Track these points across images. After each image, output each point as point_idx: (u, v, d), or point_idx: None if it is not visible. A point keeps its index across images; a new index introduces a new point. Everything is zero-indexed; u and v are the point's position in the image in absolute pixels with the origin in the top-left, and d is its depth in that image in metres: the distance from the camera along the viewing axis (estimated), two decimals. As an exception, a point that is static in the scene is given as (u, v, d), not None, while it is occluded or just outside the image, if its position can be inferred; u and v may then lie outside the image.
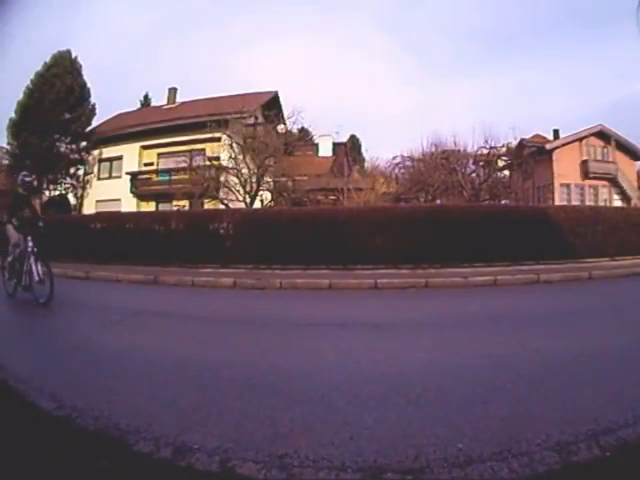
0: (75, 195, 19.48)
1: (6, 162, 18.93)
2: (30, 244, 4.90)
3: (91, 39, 31.99)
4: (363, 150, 29.57)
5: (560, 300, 5.22)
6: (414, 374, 2.39)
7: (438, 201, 16.60)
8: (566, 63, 35.71)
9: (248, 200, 14.47)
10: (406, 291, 5.96)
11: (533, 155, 18.40)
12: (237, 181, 14.58)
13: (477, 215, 8.61)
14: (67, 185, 19.35)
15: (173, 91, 21.43)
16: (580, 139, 19.25)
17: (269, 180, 15.62)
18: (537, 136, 20.82)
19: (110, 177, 19.20)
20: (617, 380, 2.21)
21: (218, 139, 15.44)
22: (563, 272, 6.99)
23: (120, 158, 18.81)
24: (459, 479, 1.38)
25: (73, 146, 19.19)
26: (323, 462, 1.47)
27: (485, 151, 17.11)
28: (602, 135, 19.46)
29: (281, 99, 18.32)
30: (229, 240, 8.66)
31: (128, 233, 9.44)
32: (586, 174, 19.02)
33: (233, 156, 14.93)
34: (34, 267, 4.80)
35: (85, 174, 19.54)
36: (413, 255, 7.66)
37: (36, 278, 4.76)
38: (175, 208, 15.04)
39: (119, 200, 17.79)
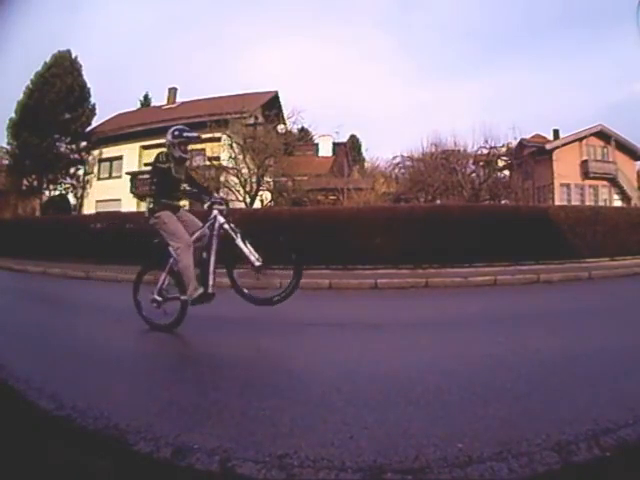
0: (75, 195, 19.51)
1: (6, 162, 18.97)
2: (220, 220, 3.36)
3: (91, 39, 31.98)
4: (363, 150, 29.54)
5: (560, 300, 5.22)
6: (414, 374, 2.39)
7: (438, 201, 16.61)
8: (566, 63, 35.62)
9: (248, 200, 14.48)
10: (406, 291, 5.97)
11: (533, 155, 18.41)
12: (237, 181, 14.58)
13: (477, 215, 8.62)
14: (67, 185, 19.39)
15: (173, 91, 21.43)
16: (580, 139, 19.25)
17: (269, 180, 15.63)
18: (537, 136, 20.81)
19: (110, 177, 19.20)
20: (617, 380, 2.20)
21: (218, 139, 15.44)
22: (563, 272, 7.00)
23: (120, 158, 18.82)
24: (459, 479, 1.37)
25: (73, 146, 19.23)
26: (323, 462, 1.47)
27: (485, 151, 17.14)
28: (602, 135, 19.46)
29: (281, 99, 18.35)
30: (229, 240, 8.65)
31: (128, 233, 9.44)
32: (586, 174, 19.02)
33: (233, 156, 14.94)
34: (246, 249, 3.28)
35: (85, 174, 19.56)
36: (413, 255, 7.67)
37: (257, 263, 3.31)
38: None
39: (119, 200, 17.79)
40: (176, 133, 3.60)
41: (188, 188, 3.63)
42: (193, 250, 3.38)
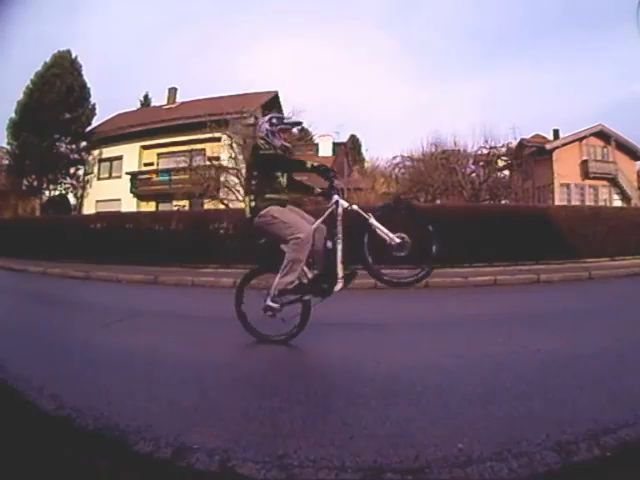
0: (75, 195, 19.54)
1: (6, 162, 19.00)
2: (344, 204, 3.01)
3: (91, 39, 32.03)
4: (363, 150, 29.61)
5: (560, 300, 5.22)
6: (414, 374, 2.39)
7: (438, 201, 16.62)
8: (566, 63, 35.72)
9: (248, 200, 14.46)
10: (406, 291, 5.95)
11: (533, 155, 18.42)
12: (237, 181, 14.58)
13: (477, 215, 8.61)
14: (67, 185, 19.42)
15: (173, 91, 21.48)
16: (580, 139, 19.27)
17: (269, 180, 15.61)
18: (537, 136, 20.82)
19: (110, 177, 19.25)
20: (617, 380, 2.20)
21: (218, 139, 15.45)
22: (563, 272, 6.98)
23: (120, 158, 18.86)
24: (459, 479, 1.37)
25: (73, 146, 19.26)
26: (323, 462, 1.47)
27: (485, 151, 17.14)
28: (602, 135, 19.48)
29: (281, 99, 18.38)
30: (229, 240, 8.66)
31: (128, 233, 9.44)
32: (586, 174, 19.03)
33: (233, 156, 14.94)
34: (384, 229, 2.94)
35: (85, 174, 19.59)
36: (413, 255, 7.65)
37: (396, 240, 2.98)
38: (175, 208, 15.05)
39: (119, 200, 17.82)
40: (274, 121, 3.14)
41: (315, 164, 3.04)
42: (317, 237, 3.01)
